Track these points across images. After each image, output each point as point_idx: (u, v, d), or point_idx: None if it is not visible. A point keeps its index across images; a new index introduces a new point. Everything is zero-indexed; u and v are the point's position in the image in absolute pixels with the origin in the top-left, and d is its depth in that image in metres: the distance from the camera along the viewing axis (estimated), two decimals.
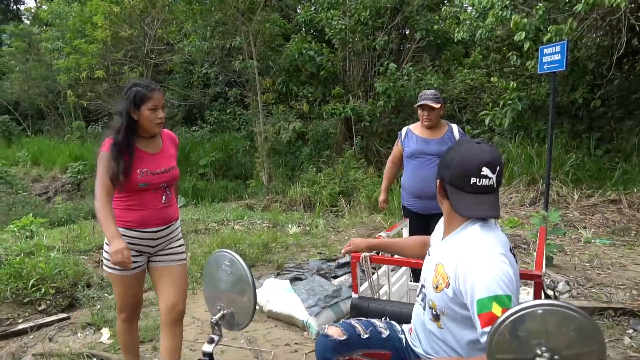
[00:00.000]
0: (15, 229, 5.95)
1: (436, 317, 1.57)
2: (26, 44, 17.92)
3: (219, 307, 1.36)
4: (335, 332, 1.75)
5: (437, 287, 1.54)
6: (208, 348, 1.29)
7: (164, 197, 2.41)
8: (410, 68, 10.14)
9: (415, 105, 3.49)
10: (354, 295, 2.26)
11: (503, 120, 7.79)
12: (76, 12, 13.02)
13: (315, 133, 10.97)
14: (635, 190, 6.61)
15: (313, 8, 12.06)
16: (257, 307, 3.58)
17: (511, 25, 6.13)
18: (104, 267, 2.49)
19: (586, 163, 7.86)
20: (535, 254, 4.57)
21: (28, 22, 22.60)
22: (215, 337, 1.31)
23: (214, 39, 11.00)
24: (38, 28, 18.84)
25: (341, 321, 1.87)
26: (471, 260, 1.44)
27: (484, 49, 9.20)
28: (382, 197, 3.88)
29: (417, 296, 1.74)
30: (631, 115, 8.80)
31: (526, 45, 6.01)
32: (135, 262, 2.36)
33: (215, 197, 10.13)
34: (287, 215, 7.54)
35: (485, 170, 1.50)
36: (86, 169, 12.89)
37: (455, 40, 8.08)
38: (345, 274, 3.84)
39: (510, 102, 7.57)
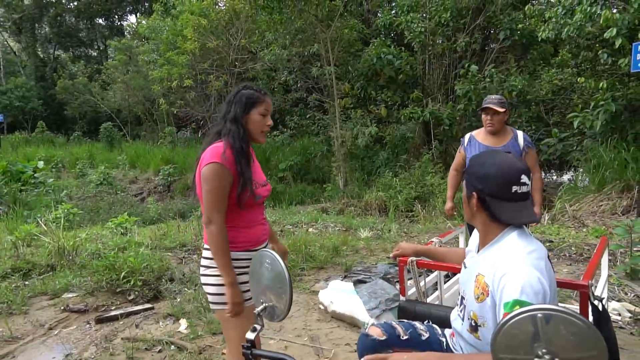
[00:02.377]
0: (112, 226, 6.57)
1: (474, 329, 1.57)
2: (127, 56, 19.63)
3: (261, 300, 1.48)
4: (376, 332, 1.80)
5: (478, 298, 1.53)
6: (251, 336, 1.40)
7: (264, 211, 2.23)
8: (493, 70, 9.78)
9: (478, 110, 3.39)
10: (402, 298, 2.29)
11: (595, 122, 7.30)
12: (169, 26, 14.08)
13: (392, 137, 10.94)
14: None
15: (393, 12, 12.04)
16: (322, 307, 3.72)
17: (601, 21, 5.75)
18: (213, 307, 2.08)
19: None
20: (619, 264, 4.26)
21: (129, 37, 24.74)
22: (258, 327, 1.43)
23: (294, 46, 11.36)
24: (137, 42, 20.56)
25: (383, 322, 1.92)
26: (507, 266, 1.45)
27: (573, 47, 8.66)
28: (448, 205, 3.77)
29: (457, 307, 1.74)
30: None
31: (618, 42, 5.61)
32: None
33: (293, 200, 10.44)
34: (361, 220, 7.60)
35: (524, 178, 1.52)
36: (176, 171, 13.84)
37: (540, 39, 7.70)
38: (410, 279, 3.83)
39: (602, 102, 7.08)
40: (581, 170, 8.39)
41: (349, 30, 10.89)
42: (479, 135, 3.40)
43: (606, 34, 5.72)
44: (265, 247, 2.13)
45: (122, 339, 3.46)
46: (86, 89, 22.78)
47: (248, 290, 1.98)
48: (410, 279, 2.36)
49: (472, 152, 3.36)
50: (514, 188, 1.51)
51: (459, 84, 10.00)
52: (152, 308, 4.03)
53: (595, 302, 1.66)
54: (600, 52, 6.64)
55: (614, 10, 5.96)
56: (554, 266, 4.55)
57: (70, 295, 4.29)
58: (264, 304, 1.48)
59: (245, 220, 2.05)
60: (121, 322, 3.76)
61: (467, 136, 3.48)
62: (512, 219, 1.53)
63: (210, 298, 2.05)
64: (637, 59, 5.10)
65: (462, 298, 1.68)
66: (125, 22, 33.02)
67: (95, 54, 34.00)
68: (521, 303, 1.34)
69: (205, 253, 2.07)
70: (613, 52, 6.46)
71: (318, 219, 7.40)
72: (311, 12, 9.93)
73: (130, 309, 3.95)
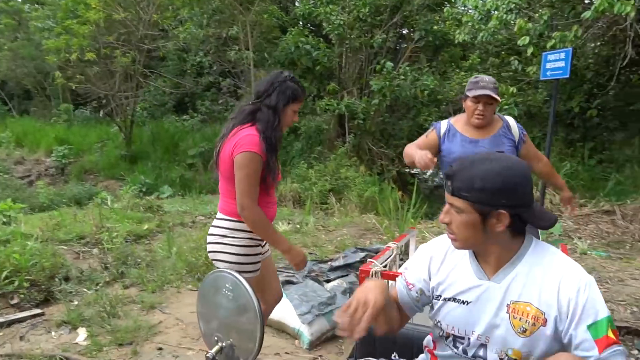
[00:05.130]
0: None
1: None
2: (16, 21, 17.46)
3: (216, 338, 1.17)
4: None
5: (525, 332, 1.28)
6: None
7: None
8: (407, 68, 10.01)
9: (465, 95, 2.57)
10: None
11: None
12: None
13: (308, 128, 10.82)
14: (628, 201, 6.57)
15: (312, 2, 11.87)
16: None
17: (515, 29, 6.02)
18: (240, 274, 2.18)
19: (580, 172, 7.82)
20: None
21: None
22: None
23: (210, 27, 10.76)
24: (28, 5, 18.38)
25: None
26: (576, 278, 1.26)
27: (483, 52, 9.10)
28: (425, 154, 2.37)
29: (460, 352, 1.41)
30: (625, 126, 8.80)
31: (529, 51, 5.91)
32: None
33: (203, 188, 9.94)
34: (277, 211, 7.37)
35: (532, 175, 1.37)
36: (71, 153, 12.60)
37: (456, 42, 7.96)
38: (338, 277, 3.70)
39: (506, 107, 7.48)
40: None
41: (269, 16, 10.54)
42: (458, 124, 2.65)
43: (519, 41, 5.99)
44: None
45: (0, 356, 2.93)
46: None
47: (258, 262, 2.21)
48: None
49: (451, 145, 2.63)
50: (533, 189, 1.33)
51: (374, 80, 10.11)
52: (43, 314, 3.49)
53: None
54: (511, 59, 6.98)
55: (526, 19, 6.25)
56: None
57: None
58: (219, 344, 1.17)
59: (264, 201, 2.15)
60: (1, 333, 3.20)
61: (443, 124, 2.70)
62: (544, 221, 1.31)
63: (225, 266, 2.08)
64: (546, 67, 5.37)
65: (461, 338, 1.39)
66: None
67: None
68: (609, 320, 1.22)
69: (220, 222, 2.17)
70: (522, 59, 6.83)
71: None
72: None
73: (13, 317, 3.39)
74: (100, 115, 15.72)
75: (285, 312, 3.12)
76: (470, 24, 7.13)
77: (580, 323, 1.22)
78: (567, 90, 8.28)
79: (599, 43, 7.51)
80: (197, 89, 13.53)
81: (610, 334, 1.21)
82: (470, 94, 2.51)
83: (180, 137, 12.47)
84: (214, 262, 2.21)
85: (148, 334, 3.21)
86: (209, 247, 2.21)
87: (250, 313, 1.06)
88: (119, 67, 11.40)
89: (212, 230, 2.21)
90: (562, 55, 5.13)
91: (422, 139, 2.74)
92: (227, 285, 1.13)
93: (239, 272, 2.05)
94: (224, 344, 1.16)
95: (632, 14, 4.71)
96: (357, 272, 3.87)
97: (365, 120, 10.60)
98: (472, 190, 1.26)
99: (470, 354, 1.38)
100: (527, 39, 5.87)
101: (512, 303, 1.30)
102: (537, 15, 6.31)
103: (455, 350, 1.41)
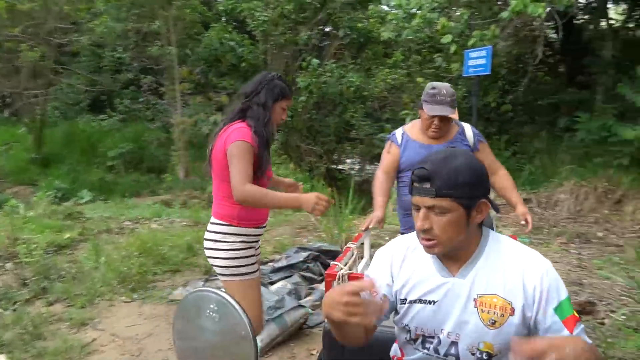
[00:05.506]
0: None
1: None
2: None
3: None
4: None
5: (494, 323, 1.28)
6: None
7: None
8: (333, 65, 10.12)
9: (421, 104, 2.48)
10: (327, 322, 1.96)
11: None
12: None
13: None
14: (541, 190, 7.09)
15: None
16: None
17: (439, 27, 6.26)
18: (224, 278, 2.21)
19: None
20: None
21: None
22: None
23: (129, 21, 10.20)
24: None
25: None
26: (537, 265, 1.29)
27: (405, 50, 9.40)
28: (379, 215, 2.56)
29: (431, 351, 1.38)
30: (534, 120, 9.49)
31: (453, 48, 6.17)
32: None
33: (126, 191, 9.44)
34: (208, 213, 7.15)
35: None
36: None
37: (381, 39, 8.15)
38: (282, 279, 3.66)
39: None
40: None
41: (191, 11, 10.19)
42: (413, 131, 2.61)
43: (443, 39, 6.25)
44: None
45: None
46: None
47: (254, 264, 2.22)
48: None
49: (410, 154, 2.57)
50: None
51: (300, 77, 10.13)
52: None
53: None
54: (435, 56, 7.27)
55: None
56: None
57: None
58: None
59: None
60: None
61: (398, 133, 2.65)
62: (497, 209, 1.40)
63: (221, 270, 2.20)
64: (469, 64, 5.65)
65: (431, 337, 1.37)
66: None
67: None
68: (569, 299, 1.27)
69: (214, 227, 2.20)
70: (444, 55, 7.13)
71: (161, 213, 6.75)
72: None
73: None
74: (5, 115, 14.40)
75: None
76: (394, 22, 7.33)
77: (547, 307, 1.25)
78: (483, 86, 8.76)
79: (510, 42, 8.01)
80: (115, 87, 12.80)
81: (574, 313, 1.27)
82: (427, 109, 2.41)
83: (98, 137, 11.74)
84: (212, 266, 2.28)
85: (81, 354, 2.98)
86: (206, 252, 2.25)
87: (240, 335, 0.98)
88: (25, 62, 10.49)
89: (206, 235, 2.24)
90: (483, 53, 5.42)
91: (387, 160, 2.68)
92: (212, 306, 1.02)
93: (237, 275, 2.17)
94: None
95: (543, 16, 5.08)
96: (301, 272, 3.86)
97: (293, 117, 10.61)
98: (455, 186, 1.24)
99: (442, 352, 1.36)
100: (450, 37, 6.13)
101: (479, 296, 1.30)
102: (457, 14, 6.60)
103: (426, 351, 1.39)
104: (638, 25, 8.16)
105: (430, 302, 1.35)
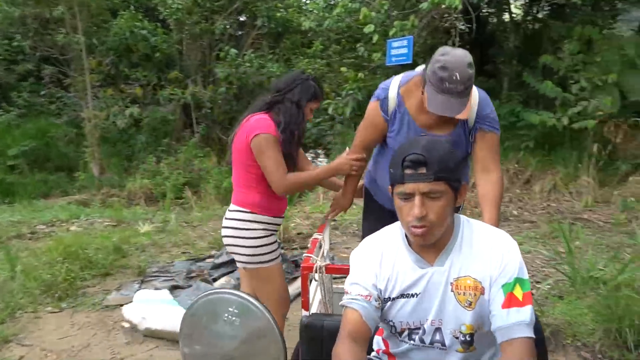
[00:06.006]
0: None
1: (470, 342, 1.35)
2: None
3: None
4: None
5: (470, 305, 1.31)
6: None
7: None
8: (252, 55, 9.97)
9: (425, 80, 1.78)
10: (304, 313, 1.87)
11: (345, 109, 8.14)
12: None
13: (151, 120, 10.16)
14: None
15: None
16: (128, 325, 3.11)
17: (361, 17, 6.37)
18: (247, 266, 2.24)
19: None
20: None
21: None
22: None
23: (28, 6, 9.29)
24: None
25: None
26: (502, 244, 1.33)
27: (325, 40, 9.48)
28: (344, 203, 2.35)
29: (417, 342, 1.39)
30: None
31: (375, 38, 6.32)
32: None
33: (32, 193, 8.68)
34: (131, 211, 6.81)
35: None
36: None
37: (300, 29, 8.16)
38: (223, 275, 3.58)
39: (351, 91, 7.94)
40: (333, 152, 9.35)
41: None
42: (411, 101, 1.95)
43: (365, 29, 6.37)
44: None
45: None
46: None
47: (276, 250, 2.26)
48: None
49: (403, 133, 1.99)
50: None
51: (219, 67, 9.90)
52: None
53: None
54: (358, 45, 7.40)
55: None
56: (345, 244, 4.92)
57: None
58: None
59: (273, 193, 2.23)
60: None
61: (392, 96, 1.97)
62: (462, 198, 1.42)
63: (244, 259, 2.22)
64: (392, 54, 5.82)
65: (417, 329, 1.38)
66: None
67: None
68: (521, 281, 1.28)
69: (234, 214, 2.20)
70: (364, 45, 7.28)
71: (79, 214, 6.31)
72: None
73: None
74: None
75: (178, 320, 2.91)
76: (315, 11, 7.36)
77: (498, 281, 1.29)
78: None
79: (425, 33, 8.36)
80: (11, 79, 11.63)
81: (522, 298, 1.26)
82: (428, 102, 1.76)
83: None
84: (231, 254, 2.31)
85: None
86: (224, 241, 2.27)
87: (267, 339, 0.89)
88: None
89: (225, 222, 2.24)
90: (405, 43, 5.62)
91: (366, 132, 2.12)
92: (231, 309, 0.94)
93: (262, 262, 2.20)
94: None
95: (459, 7, 5.36)
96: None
97: (213, 109, 10.35)
98: (448, 170, 1.26)
99: (427, 341, 1.38)
100: (372, 26, 6.27)
101: (455, 280, 1.32)
102: (377, 3, 6.75)
103: (412, 342, 1.40)
104: (536, 19, 8.84)
105: (412, 295, 1.36)
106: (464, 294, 1.32)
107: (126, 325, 3.14)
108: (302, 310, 1.89)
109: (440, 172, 1.25)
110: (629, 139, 5.87)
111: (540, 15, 8.88)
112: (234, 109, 10.84)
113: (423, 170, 1.25)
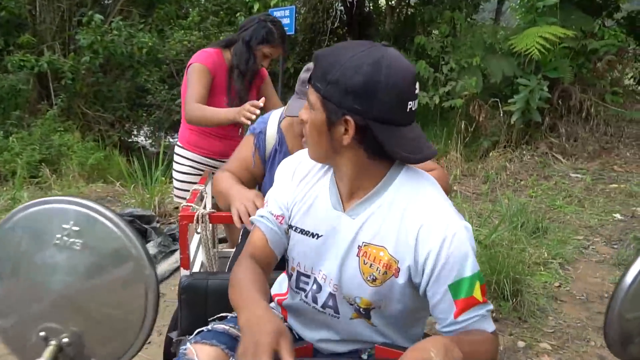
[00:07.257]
0: None
1: (367, 315, 1.14)
2: None
3: (42, 335, 0.60)
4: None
5: (375, 280, 1.07)
6: None
7: (240, 130, 2.40)
8: (121, 22, 9.15)
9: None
10: (184, 272, 1.61)
11: None
12: None
13: None
14: None
15: None
16: None
17: None
18: (182, 201, 2.08)
19: None
20: None
21: None
22: None
23: None
24: None
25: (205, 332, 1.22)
26: (441, 227, 1.02)
27: (202, 11, 9.05)
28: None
29: (310, 300, 1.20)
30: None
31: (256, 7, 6.15)
32: None
33: None
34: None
35: (417, 84, 1.02)
36: None
37: None
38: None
39: None
40: None
41: None
42: (290, 133, 1.72)
43: None
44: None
45: None
46: None
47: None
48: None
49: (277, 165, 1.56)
50: (410, 104, 0.99)
51: (82, 33, 8.93)
52: None
53: None
54: (237, 15, 7.15)
55: None
56: None
57: None
58: (52, 343, 0.61)
59: (220, 130, 2.26)
60: None
61: (270, 131, 1.72)
62: (413, 153, 1.00)
63: (174, 193, 2.43)
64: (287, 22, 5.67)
65: (306, 276, 1.19)
66: None
67: None
68: (477, 277, 1.01)
69: (175, 149, 2.38)
70: (247, 16, 7.05)
71: None
72: None
73: None
74: None
75: None
76: None
77: (440, 282, 1.01)
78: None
79: (304, 10, 8.38)
80: None
81: (477, 295, 1.01)
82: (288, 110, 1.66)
83: None
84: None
85: None
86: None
87: (127, 266, 0.59)
88: None
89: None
90: (287, 13, 5.52)
91: (239, 160, 1.74)
92: (67, 226, 0.61)
93: (182, 199, 2.19)
94: (63, 340, 0.61)
95: None
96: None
97: (75, 80, 9.32)
98: (324, 81, 0.99)
99: (319, 303, 1.18)
100: None
101: (364, 245, 1.08)
102: None
103: (303, 295, 1.21)
104: (409, 5, 9.34)
105: (314, 235, 1.14)
106: (371, 265, 1.07)
107: None
108: (181, 269, 1.64)
109: (315, 79, 1.03)
110: (489, 118, 6.44)
111: (412, 2, 9.40)
112: (100, 81, 9.91)
113: (312, 67, 1.11)
